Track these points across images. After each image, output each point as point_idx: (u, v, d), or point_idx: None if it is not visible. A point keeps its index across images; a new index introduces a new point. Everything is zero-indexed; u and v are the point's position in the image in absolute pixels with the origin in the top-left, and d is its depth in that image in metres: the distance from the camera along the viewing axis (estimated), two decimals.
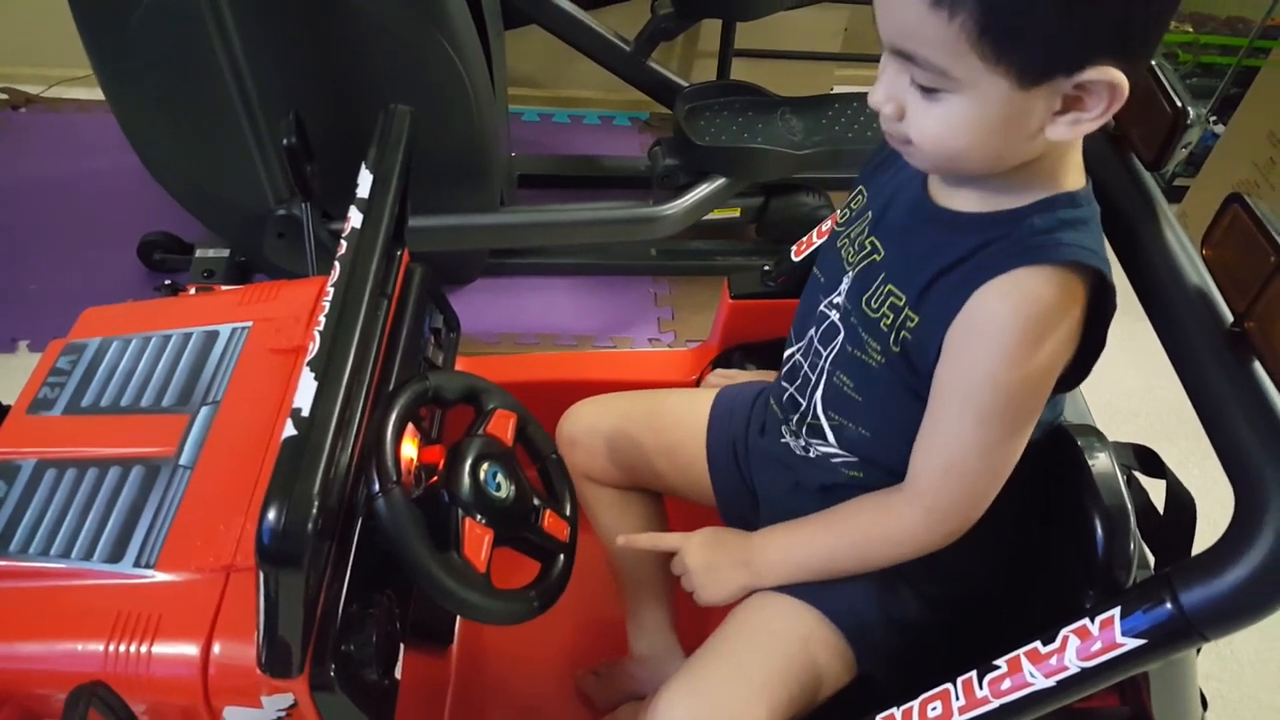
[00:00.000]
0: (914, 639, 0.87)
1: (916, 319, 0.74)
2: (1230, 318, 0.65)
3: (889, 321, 0.76)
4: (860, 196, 0.86)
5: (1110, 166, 0.81)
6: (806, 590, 0.86)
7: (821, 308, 0.85)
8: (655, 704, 0.82)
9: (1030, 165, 0.69)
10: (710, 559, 0.87)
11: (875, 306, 0.77)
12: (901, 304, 0.75)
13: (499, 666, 1.21)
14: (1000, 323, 0.68)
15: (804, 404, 0.86)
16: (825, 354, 0.84)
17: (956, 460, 0.74)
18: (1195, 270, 0.70)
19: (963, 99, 0.64)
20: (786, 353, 0.91)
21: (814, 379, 0.85)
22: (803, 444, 0.88)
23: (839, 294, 0.83)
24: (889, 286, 0.76)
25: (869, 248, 0.80)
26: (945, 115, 0.66)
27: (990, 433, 0.72)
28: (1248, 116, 2.16)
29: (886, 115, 0.69)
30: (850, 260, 0.82)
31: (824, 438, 0.85)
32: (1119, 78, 0.61)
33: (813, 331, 0.86)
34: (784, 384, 0.91)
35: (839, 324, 0.82)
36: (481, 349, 1.88)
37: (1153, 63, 0.76)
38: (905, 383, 0.76)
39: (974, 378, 0.71)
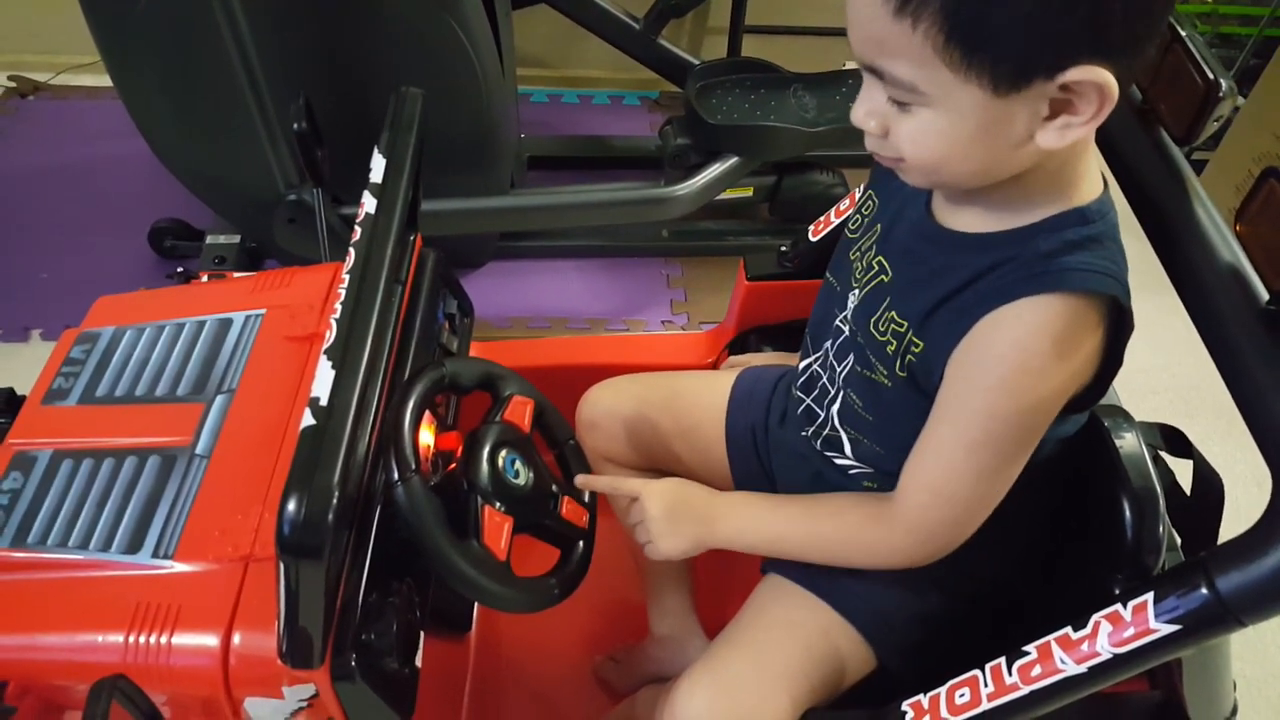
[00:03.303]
0: (933, 630, 0.86)
1: (921, 345, 0.72)
2: (1265, 296, 0.63)
3: (894, 346, 0.74)
4: (871, 203, 0.83)
5: (1138, 142, 0.79)
6: (823, 586, 0.84)
7: (837, 321, 0.83)
8: (674, 693, 0.81)
9: (1031, 177, 0.66)
10: (671, 508, 0.83)
11: (882, 330, 0.75)
12: (904, 330, 0.73)
13: (517, 652, 1.21)
14: (1000, 354, 0.66)
15: (821, 415, 0.85)
16: (840, 369, 0.82)
17: (944, 485, 0.72)
18: (1228, 248, 0.68)
19: (935, 112, 0.62)
20: (803, 362, 0.89)
21: (831, 392, 0.83)
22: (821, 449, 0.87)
23: (847, 311, 0.81)
24: (891, 313, 0.75)
25: (876, 267, 0.78)
26: (919, 127, 0.63)
27: (982, 461, 0.70)
28: (1269, 88, 2.11)
29: (871, 133, 0.67)
30: (858, 278, 0.80)
31: (841, 450, 0.83)
32: (1106, 78, 0.57)
33: (828, 344, 0.84)
34: (800, 394, 0.88)
35: (850, 342, 0.81)
36: (493, 333, 1.87)
37: (1183, 33, 0.74)
38: (916, 404, 0.74)
39: (970, 406, 0.69)
